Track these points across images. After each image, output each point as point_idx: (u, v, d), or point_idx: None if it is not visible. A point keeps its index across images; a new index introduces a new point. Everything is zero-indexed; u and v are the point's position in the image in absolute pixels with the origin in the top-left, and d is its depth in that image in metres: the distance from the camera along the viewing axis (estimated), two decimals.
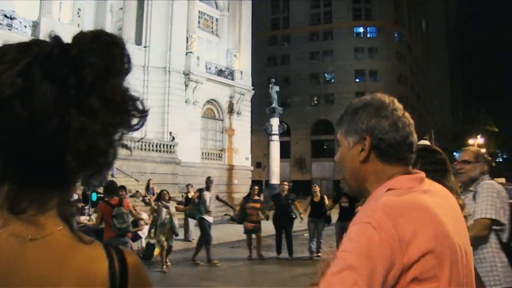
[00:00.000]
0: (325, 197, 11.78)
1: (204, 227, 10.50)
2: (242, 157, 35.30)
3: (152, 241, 10.55)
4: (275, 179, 31.74)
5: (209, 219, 10.58)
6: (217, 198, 11.14)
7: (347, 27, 63.08)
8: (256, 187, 11.97)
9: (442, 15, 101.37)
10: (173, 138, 27.78)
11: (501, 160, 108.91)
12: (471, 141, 64.25)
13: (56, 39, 0.69)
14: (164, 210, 9.69)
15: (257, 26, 48.89)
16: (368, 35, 63.98)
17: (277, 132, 32.33)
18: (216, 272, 9.76)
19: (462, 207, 2.40)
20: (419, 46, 77.84)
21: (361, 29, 63.97)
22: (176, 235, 10.25)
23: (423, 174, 1.34)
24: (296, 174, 57.84)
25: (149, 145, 26.20)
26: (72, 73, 0.67)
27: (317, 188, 11.77)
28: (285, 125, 34.81)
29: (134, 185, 19.65)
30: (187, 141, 29.45)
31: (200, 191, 11.01)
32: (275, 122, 32.31)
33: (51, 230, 0.68)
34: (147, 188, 19.75)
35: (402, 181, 1.26)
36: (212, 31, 34.49)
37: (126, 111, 0.72)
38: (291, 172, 58.72)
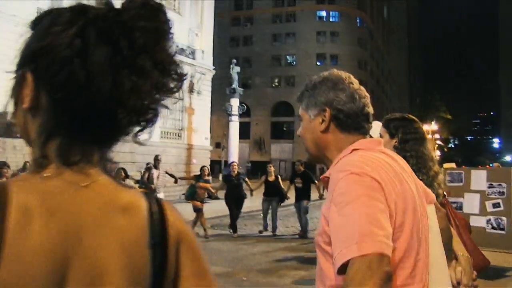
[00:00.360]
0: (279, 177, 12.05)
1: None
2: (202, 136, 35.22)
3: None
4: (234, 159, 31.92)
5: (159, 196, 10.68)
6: (166, 172, 11.28)
7: (310, 10, 63.30)
8: (206, 168, 11.91)
9: (404, 2, 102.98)
10: None
11: (453, 146, 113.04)
12: (425, 127, 66.25)
13: (108, 4, 0.76)
14: None
15: (220, 6, 48.39)
16: (331, 19, 64.42)
17: (237, 113, 32.39)
18: None
19: (437, 173, 2.56)
20: (380, 32, 79.01)
21: (323, 13, 64.30)
22: None
23: (380, 138, 1.50)
24: (255, 155, 58.22)
25: None
26: (124, 36, 0.73)
27: (272, 168, 12.02)
28: (245, 106, 34.88)
29: None
30: None
31: (149, 169, 11.07)
32: (235, 102, 32.34)
33: (97, 178, 0.75)
34: None
35: (364, 143, 1.40)
36: (174, 9, 33.90)
37: (170, 73, 0.78)
38: (250, 153, 59.07)
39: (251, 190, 11.83)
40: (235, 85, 32.65)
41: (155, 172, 10.75)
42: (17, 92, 0.76)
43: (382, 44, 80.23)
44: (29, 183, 0.72)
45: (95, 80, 0.71)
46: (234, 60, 35.86)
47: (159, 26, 0.76)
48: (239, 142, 33.34)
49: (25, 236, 0.66)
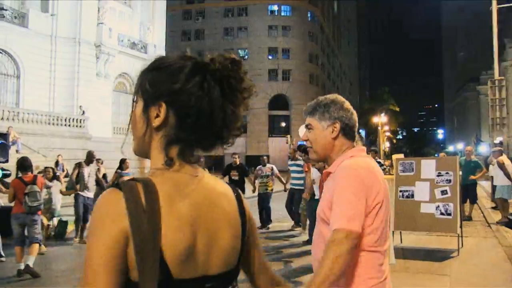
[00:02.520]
0: (207, 171, 12.22)
1: (76, 204, 9.87)
2: None
3: (64, 218, 10.37)
4: None
5: (88, 194, 9.99)
6: (97, 174, 10.39)
7: (262, 4, 63.54)
8: (128, 160, 11.29)
9: None
10: (84, 112, 26.81)
11: (401, 137, 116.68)
12: (375, 119, 68.04)
13: (214, 60, 1.13)
14: (45, 189, 9.16)
15: None
16: (282, 13, 64.84)
17: None
18: None
19: None
20: (331, 27, 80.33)
21: (275, 7, 64.65)
22: (55, 215, 10.13)
23: (364, 147, 2.16)
24: None
25: (57, 119, 25.08)
26: (226, 81, 1.11)
27: (202, 164, 12.12)
28: None
29: (42, 161, 18.84)
30: (98, 116, 28.52)
31: (79, 166, 10.11)
32: None
33: (203, 173, 1.16)
34: (56, 164, 19.08)
35: (356, 152, 2.06)
36: (125, 2, 33.30)
37: (246, 101, 1.18)
38: None
39: None
40: None
41: (85, 169, 9.97)
42: (146, 115, 1.11)
43: (333, 39, 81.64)
44: (165, 177, 1.08)
45: (215, 111, 1.09)
46: None
47: (241, 73, 1.14)
48: None
49: (172, 208, 1.03)
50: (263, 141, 60.32)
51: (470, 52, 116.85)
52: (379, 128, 66.40)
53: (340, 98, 2.13)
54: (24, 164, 7.45)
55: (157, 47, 34.91)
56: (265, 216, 11.50)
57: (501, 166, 11.74)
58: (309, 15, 66.63)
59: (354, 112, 2.12)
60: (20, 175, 7.49)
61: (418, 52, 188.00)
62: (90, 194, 10.04)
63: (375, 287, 1.89)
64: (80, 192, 9.84)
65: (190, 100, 1.08)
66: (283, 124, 60.29)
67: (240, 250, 1.18)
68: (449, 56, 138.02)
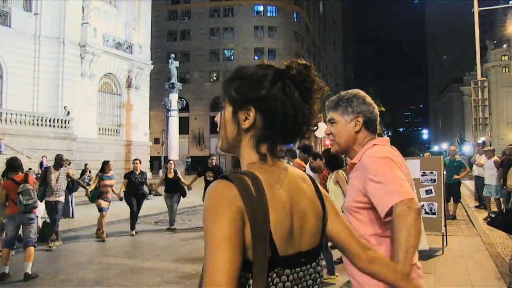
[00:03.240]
0: (178, 171, 12.24)
1: (46, 209, 9.76)
2: (140, 132, 34.68)
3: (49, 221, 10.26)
4: (174, 155, 31.70)
5: (58, 199, 9.66)
6: (68, 176, 9.99)
7: (248, 4, 63.53)
8: (111, 163, 11.30)
9: None
10: (68, 113, 26.56)
11: (386, 137, 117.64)
12: None
13: (290, 67, 1.30)
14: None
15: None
16: (268, 14, 64.91)
17: (176, 108, 32.15)
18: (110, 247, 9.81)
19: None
20: (316, 27, 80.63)
21: (261, 8, 64.67)
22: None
23: (387, 137, 2.25)
24: (195, 150, 57.96)
25: (41, 120, 24.79)
26: (302, 84, 1.28)
27: (171, 165, 12.17)
28: (184, 101, 34.68)
29: (26, 163, 18.61)
30: (83, 116, 28.26)
31: (46, 170, 9.92)
32: (174, 97, 32.07)
33: (286, 164, 1.34)
34: (41, 165, 18.93)
35: (380, 140, 2.17)
36: (110, 2, 33.02)
37: (318, 100, 1.34)
38: (190, 148, 58.78)
39: (151, 190, 12.29)
40: (174, 80, 32.34)
41: (53, 173, 9.67)
42: (236, 119, 1.28)
43: (318, 39, 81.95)
44: (263, 169, 1.25)
45: (297, 111, 1.26)
46: (173, 55, 35.49)
47: (313, 76, 1.31)
48: (178, 137, 33.09)
49: (274, 196, 1.20)
50: None
51: (455, 53, 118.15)
52: None
53: (362, 92, 2.23)
54: (14, 165, 7.43)
55: (143, 48, 34.71)
56: None
57: (498, 165, 11.82)
58: (294, 15, 66.80)
59: (375, 106, 2.22)
60: (10, 175, 7.46)
61: (404, 53, 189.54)
62: (59, 198, 9.68)
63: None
64: (49, 199, 9.55)
65: (276, 104, 1.24)
66: None
67: (322, 227, 1.36)
68: (434, 57, 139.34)
